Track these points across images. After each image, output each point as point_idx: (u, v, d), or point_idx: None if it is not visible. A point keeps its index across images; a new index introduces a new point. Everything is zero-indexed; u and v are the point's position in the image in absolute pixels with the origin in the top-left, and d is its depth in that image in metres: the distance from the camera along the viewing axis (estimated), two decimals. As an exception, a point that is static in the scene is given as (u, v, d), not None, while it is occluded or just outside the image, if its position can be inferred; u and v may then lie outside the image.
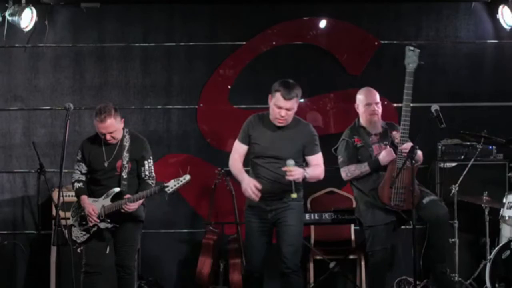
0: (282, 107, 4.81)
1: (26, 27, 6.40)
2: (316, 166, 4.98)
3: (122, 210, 5.05)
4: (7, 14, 6.28)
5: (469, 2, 6.66)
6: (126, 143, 5.21)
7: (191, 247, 6.47)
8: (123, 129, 5.25)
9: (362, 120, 5.46)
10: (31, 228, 6.50)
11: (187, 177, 5.06)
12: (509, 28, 6.51)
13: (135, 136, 5.30)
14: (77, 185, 5.23)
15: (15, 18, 6.25)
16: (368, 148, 5.33)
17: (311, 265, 6.14)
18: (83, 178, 5.26)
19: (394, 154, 5.19)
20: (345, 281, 6.35)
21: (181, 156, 6.66)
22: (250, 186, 4.80)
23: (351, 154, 5.38)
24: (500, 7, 6.49)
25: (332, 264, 6.10)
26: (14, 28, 6.38)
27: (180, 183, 5.04)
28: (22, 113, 6.66)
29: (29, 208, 6.53)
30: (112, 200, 5.13)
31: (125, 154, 5.18)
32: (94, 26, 6.66)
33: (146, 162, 5.25)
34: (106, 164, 5.17)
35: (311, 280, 6.13)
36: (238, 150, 5.04)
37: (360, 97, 5.47)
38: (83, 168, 5.26)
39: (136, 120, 6.66)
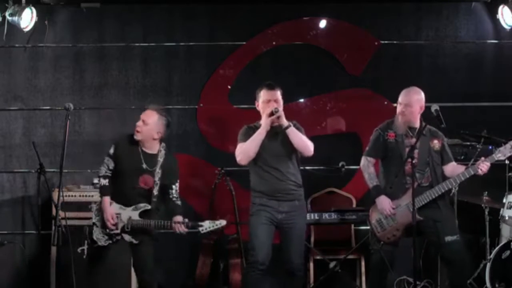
0: (270, 99, 5.07)
1: (26, 27, 6.39)
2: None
3: (176, 231, 5.15)
4: (7, 14, 6.27)
5: (469, 2, 6.66)
6: (161, 159, 5.26)
7: (191, 247, 6.46)
8: (160, 143, 5.32)
9: None
10: (31, 228, 6.49)
11: (223, 222, 5.22)
12: (509, 28, 6.51)
13: (169, 155, 5.34)
14: (103, 181, 5.25)
15: (15, 18, 6.25)
16: (400, 147, 5.20)
17: (311, 265, 6.14)
18: (109, 174, 5.26)
19: (388, 212, 5.16)
20: (345, 281, 6.34)
21: (181, 156, 6.65)
22: None
23: (374, 146, 5.32)
24: (500, 7, 6.49)
25: (332, 264, 6.11)
26: (14, 28, 6.38)
27: (215, 227, 5.19)
28: (22, 113, 6.66)
29: (29, 208, 6.52)
30: (140, 215, 5.19)
31: (158, 170, 5.22)
32: (94, 26, 6.66)
33: (174, 185, 5.30)
34: (144, 166, 5.20)
35: (311, 280, 6.12)
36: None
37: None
38: (111, 164, 5.25)
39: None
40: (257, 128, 5.12)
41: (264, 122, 5.05)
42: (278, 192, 5.07)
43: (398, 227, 5.16)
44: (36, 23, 6.43)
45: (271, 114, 5.01)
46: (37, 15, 6.42)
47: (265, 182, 5.09)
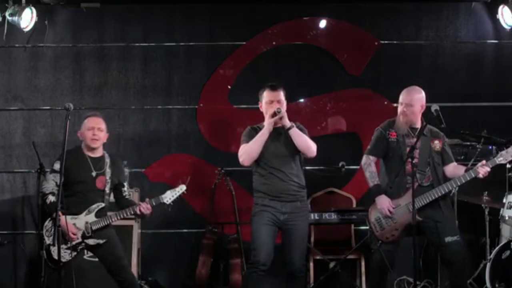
0: (273, 100, 5.08)
1: (26, 27, 6.40)
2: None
3: (143, 211, 5.12)
4: (7, 14, 6.28)
5: (469, 2, 6.67)
6: (107, 160, 5.30)
7: (191, 247, 6.47)
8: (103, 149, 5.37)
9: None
10: (31, 228, 6.49)
11: (183, 187, 5.25)
12: (509, 28, 6.51)
13: (114, 156, 5.40)
14: (52, 198, 5.10)
15: (15, 18, 6.25)
16: (401, 146, 5.17)
17: (311, 265, 6.13)
18: (56, 191, 5.10)
19: (387, 212, 5.12)
20: (345, 281, 6.34)
21: (181, 156, 6.66)
22: None
23: (376, 145, 5.28)
24: (500, 7, 6.49)
25: (332, 264, 6.11)
26: (14, 28, 6.38)
27: (177, 194, 5.23)
28: (22, 113, 6.66)
29: (29, 208, 6.53)
30: (96, 215, 5.15)
31: (108, 170, 5.25)
32: (94, 26, 6.66)
33: (125, 183, 5.37)
34: (94, 174, 5.19)
35: (311, 280, 6.12)
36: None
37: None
38: (58, 180, 5.08)
39: (136, 120, 6.67)
40: (260, 129, 5.11)
41: (267, 123, 5.05)
42: (280, 193, 5.06)
43: (397, 227, 5.15)
44: (36, 23, 6.43)
45: (274, 114, 5.01)
46: (37, 15, 6.42)
47: (268, 183, 5.08)
